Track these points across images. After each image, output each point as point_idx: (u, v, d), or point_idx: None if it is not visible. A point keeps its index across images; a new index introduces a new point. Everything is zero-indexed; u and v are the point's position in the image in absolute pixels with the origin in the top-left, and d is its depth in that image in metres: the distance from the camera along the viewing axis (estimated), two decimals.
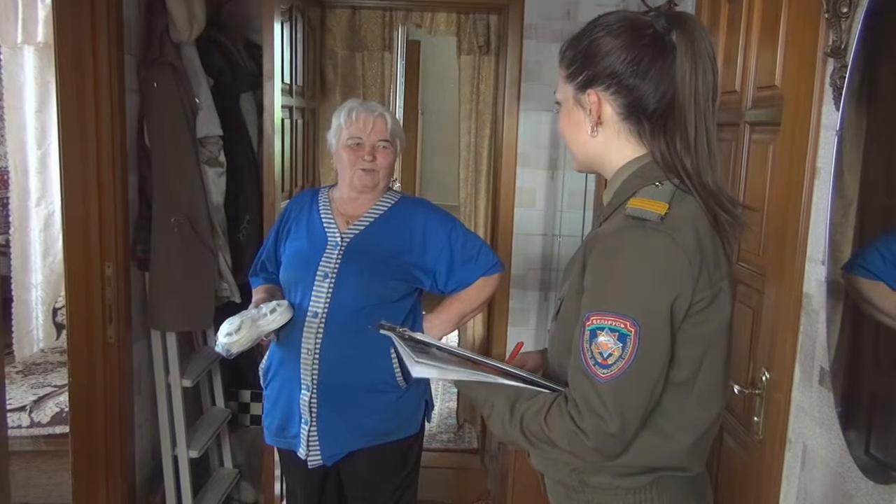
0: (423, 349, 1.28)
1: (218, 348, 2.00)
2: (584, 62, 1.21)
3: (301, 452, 2.11)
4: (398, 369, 2.08)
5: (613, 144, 1.23)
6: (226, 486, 3.18)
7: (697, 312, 1.13)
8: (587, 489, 1.24)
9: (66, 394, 3.28)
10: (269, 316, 2.00)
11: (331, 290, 2.03)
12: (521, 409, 1.18)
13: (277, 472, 2.88)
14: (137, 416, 2.86)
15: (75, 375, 2.66)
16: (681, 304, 1.11)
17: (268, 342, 2.12)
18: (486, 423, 1.28)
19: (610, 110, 1.21)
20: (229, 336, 1.96)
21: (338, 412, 2.07)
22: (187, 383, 2.90)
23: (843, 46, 1.42)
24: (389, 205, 2.16)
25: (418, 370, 1.21)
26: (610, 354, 1.08)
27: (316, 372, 2.04)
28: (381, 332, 1.40)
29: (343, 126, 2.12)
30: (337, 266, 2.05)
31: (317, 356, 2.03)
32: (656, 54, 1.17)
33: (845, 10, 1.41)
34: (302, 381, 2.06)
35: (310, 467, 2.11)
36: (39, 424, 3.33)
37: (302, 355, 2.04)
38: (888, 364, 1.39)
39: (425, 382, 2.18)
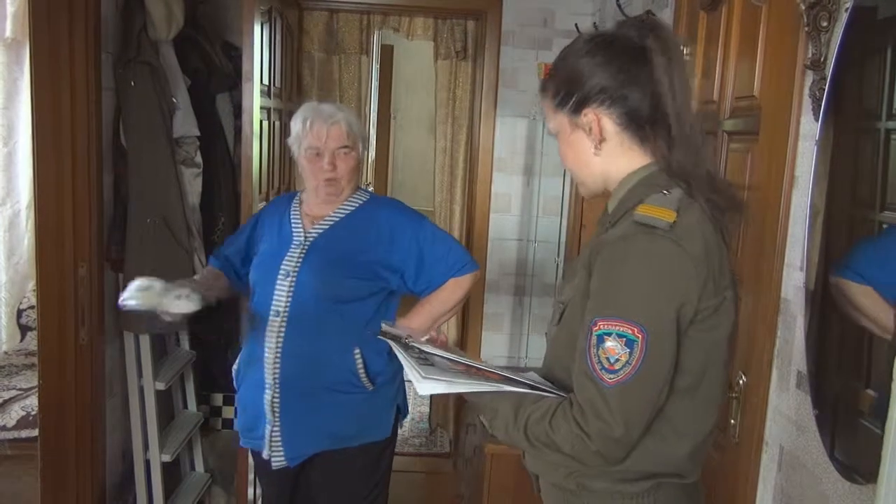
0: (427, 360, 1.25)
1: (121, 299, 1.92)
2: (569, 88, 1.23)
3: (265, 453, 2.09)
4: (363, 370, 2.05)
5: (618, 157, 1.25)
6: (197, 491, 3.14)
7: (703, 320, 1.14)
8: (585, 493, 1.24)
9: (33, 397, 3.23)
10: (173, 298, 1.92)
11: (291, 289, 2.03)
12: (525, 413, 1.17)
13: (251, 477, 2.85)
14: (109, 419, 2.80)
15: (46, 378, 2.59)
16: (687, 311, 1.12)
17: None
18: (488, 425, 1.26)
19: (610, 123, 1.23)
20: (131, 291, 1.88)
21: (301, 413, 2.05)
22: (160, 386, 2.86)
23: (822, 59, 1.46)
24: (358, 204, 2.14)
25: (426, 387, 1.19)
26: (617, 360, 1.09)
27: (277, 371, 2.03)
28: (380, 338, 1.39)
29: (301, 135, 2.08)
30: (298, 265, 2.04)
31: (278, 355, 2.02)
32: (635, 60, 1.20)
33: (825, 24, 1.45)
34: (265, 381, 2.05)
35: (273, 468, 2.10)
36: (5, 428, 3.27)
37: (265, 354, 2.04)
38: (848, 370, 1.43)
39: (396, 385, 2.15)
